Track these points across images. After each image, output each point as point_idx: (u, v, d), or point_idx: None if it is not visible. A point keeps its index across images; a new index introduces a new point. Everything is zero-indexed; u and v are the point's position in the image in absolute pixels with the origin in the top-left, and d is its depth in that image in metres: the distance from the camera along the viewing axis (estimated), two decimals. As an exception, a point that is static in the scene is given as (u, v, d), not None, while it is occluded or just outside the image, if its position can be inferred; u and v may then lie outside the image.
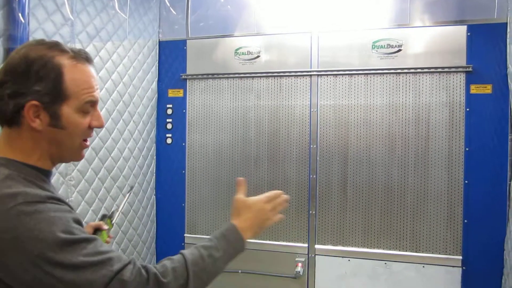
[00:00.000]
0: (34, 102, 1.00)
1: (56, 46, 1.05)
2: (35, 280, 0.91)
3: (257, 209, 1.30)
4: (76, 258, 0.92)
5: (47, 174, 1.10)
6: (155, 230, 3.51)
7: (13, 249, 0.90)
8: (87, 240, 0.97)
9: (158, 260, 3.47)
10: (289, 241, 3.22)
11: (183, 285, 1.04)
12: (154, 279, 1.00)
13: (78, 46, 2.55)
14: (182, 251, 1.12)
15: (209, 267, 1.12)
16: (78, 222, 1.00)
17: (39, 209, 0.93)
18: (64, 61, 1.04)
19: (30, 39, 2.21)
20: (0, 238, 0.90)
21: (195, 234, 3.43)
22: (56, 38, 2.40)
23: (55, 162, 1.12)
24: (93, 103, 1.09)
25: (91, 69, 1.09)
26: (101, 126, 1.11)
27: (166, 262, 1.07)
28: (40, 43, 1.06)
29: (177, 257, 1.10)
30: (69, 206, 1.04)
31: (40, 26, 2.31)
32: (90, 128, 1.10)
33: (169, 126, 3.48)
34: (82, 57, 1.08)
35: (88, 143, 1.12)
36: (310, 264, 3.18)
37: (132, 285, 0.96)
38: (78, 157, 1.13)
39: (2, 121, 1.05)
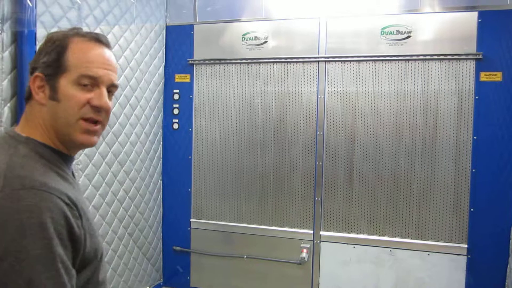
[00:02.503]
0: (38, 73, 1.05)
1: (75, 29, 1.11)
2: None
3: None
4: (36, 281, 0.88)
5: (64, 157, 1.09)
6: (161, 215, 3.53)
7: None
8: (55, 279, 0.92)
9: (164, 244, 3.51)
10: (294, 227, 3.24)
11: None
12: None
13: (85, 30, 2.54)
14: None
15: None
16: (73, 239, 0.96)
17: (37, 202, 0.91)
18: (74, 39, 1.08)
19: (37, 22, 2.21)
20: None
21: (201, 219, 3.45)
22: (63, 22, 2.40)
23: (64, 142, 1.08)
24: (92, 79, 1.05)
25: (103, 50, 1.10)
26: (100, 106, 1.06)
27: None
28: (67, 29, 1.12)
29: None
30: (77, 207, 0.99)
31: (48, 9, 2.30)
32: (92, 106, 1.05)
33: (175, 111, 3.48)
34: (91, 36, 1.10)
35: (91, 126, 1.07)
36: (315, 250, 3.20)
37: None
38: (77, 137, 1.06)
39: (25, 99, 1.10)
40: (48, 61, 1.05)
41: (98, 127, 1.08)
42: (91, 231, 1.03)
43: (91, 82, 1.05)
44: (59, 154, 1.07)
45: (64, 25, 2.40)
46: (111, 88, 1.11)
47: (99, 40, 1.10)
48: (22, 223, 0.88)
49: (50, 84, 1.04)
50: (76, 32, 1.10)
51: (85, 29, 1.13)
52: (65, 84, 1.04)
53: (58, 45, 1.06)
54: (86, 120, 1.06)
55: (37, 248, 0.88)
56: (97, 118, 1.07)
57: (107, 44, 1.12)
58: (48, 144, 1.05)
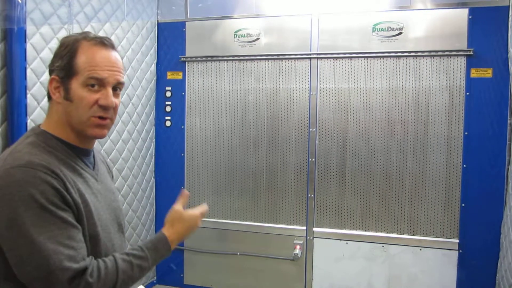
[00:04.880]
0: (54, 76, 1.19)
1: (84, 34, 1.22)
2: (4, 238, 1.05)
3: (190, 224, 1.43)
4: (42, 234, 1.03)
5: (76, 150, 1.22)
6: (154, 213, 3.53)
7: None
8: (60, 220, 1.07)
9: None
10: (287, 224, 3.25)
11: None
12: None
13: (75, 27, 2.53)
14: (116, 256, 1.18)
15: (136, 275, 1.21)
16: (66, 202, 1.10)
17: (27, 177, 1.05)
18: (82, 44, 1.19)
19: (27, 19, 2.19)
20: None
21: (194, 216, 3.44)
22: (54, 19, 2.38)
23: (78, 136, 1.22)
24: (98, 80, 1.17)
25: (108, 53, 1.21)
26: (107, 105, 1.18)
27: (101, 265, 1.13)
28: (77, 33, 1.24)
29: (110, 262, 1.15)
30: (63, 181, 1.10)
31: (37, 6, 2.28)
32: (100, 106, 1.18)
33: (168, 108, 3.47)
34: (97, 40, 1.21)
35: (101, 122, 1.19)
36: (308, 247, 3.21)
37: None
38: (89, 131, 1.20)
39: (47, 98, 1.25)
40: (61, 65, 1.17)
41: (107, 121, 1.22)
42: (88, 212, 1.16)
43: (98, 83, 1.18)
44: (70, 147, 1.21)
45: (55, 22, 2.38)
46: (118, 86, 1.22)
47: (103, 43, 1.21)
48: (14, 195, 1.03)
49: (64, 86, 1.18)
50: (84, 37, 1.21)
51: (75, 26, 1.21)
52: (76, 86, 1.17)
53: (69, 50, 1.18)
54: (96, 117, 1.20)
55: (30, 214, 1.03)
56: (105, 115, 1.20)
57: (111, 46, 1.23)
58: (60, 137, 1.20)
